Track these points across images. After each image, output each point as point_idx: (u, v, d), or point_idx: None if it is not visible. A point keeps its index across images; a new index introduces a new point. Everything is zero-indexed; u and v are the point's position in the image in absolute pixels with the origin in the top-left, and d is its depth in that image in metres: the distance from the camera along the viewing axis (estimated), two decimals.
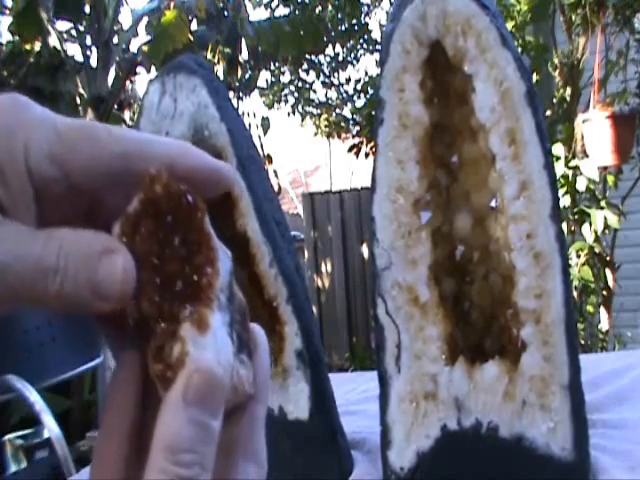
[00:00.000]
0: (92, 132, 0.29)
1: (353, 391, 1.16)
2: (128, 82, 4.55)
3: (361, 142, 5.43)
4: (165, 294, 0.27)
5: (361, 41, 5.82)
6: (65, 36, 4.13)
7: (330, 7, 5.33)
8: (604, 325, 3.20)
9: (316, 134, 6.76)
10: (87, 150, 0.28)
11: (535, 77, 3.12)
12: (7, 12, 3.95)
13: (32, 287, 0.26)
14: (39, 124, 0.28)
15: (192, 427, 0.26)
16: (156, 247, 0.27)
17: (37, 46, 3.93)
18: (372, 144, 4.35)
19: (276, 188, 4.52)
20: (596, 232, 2.97)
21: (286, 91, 6.29)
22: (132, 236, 0.28)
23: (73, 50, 5.47)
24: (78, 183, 0.28)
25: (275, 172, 4.81)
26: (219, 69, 4.25)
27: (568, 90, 3.17)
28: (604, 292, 3.18)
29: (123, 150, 0.29)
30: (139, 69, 4.35)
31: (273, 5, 5.31)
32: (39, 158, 0.27)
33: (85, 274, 0.27)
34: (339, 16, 5.39)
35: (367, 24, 5.70)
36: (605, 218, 2.92)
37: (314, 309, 4.81)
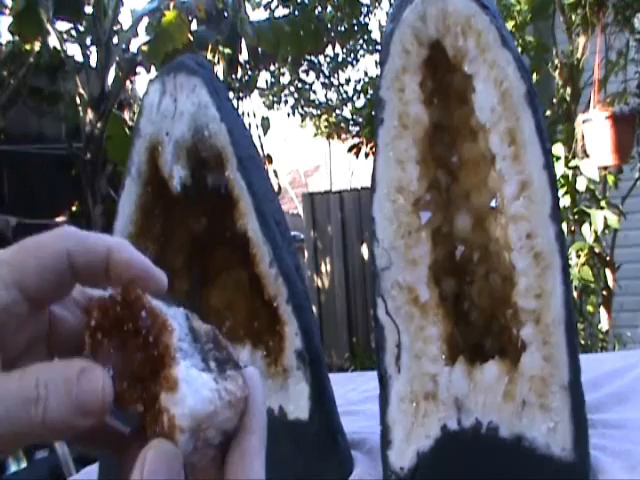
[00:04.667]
0: (36, 246, 0.32)
1: (353, 391, 1.17)
2: (128, 82, 4.55)
3: (361, 142, 5.43)
4: (137, 384, 0.30)
5: (361, 41, 5.82)
6: (65, 36, 4.13)
7: (330, 7, 5.33)
8: (604, 325, 3.20)
9: (316, 134, 6.76)
10: (35, 263, 0.31)
11: (535, 77, 3.12)
12: (7, 12, 3.94)
13: (17, 422, 0.28)
14: None
15: None
16: (119, 352, 0.31)
17: (37, 46, 3.93)
18: (372, 144, 4.35)
19: (276, 188, 4.52)
20: (596, 232, 2.97)
21: (286, 92, 6.29)
22: (96, 347, 0.31)
23: (73, 50, 5.48)
24: (33, 292, 0.31)
25: (275, 172, 4.81)
26: (219, 69, 4.24)
27: (568, 90, 3.17)
28: (604, 292, 3.18)
29: (66, 248, 0.32)
30: (139, 69, 4.35)
31: (273, 5, 5.31)
32: None
33: (67, 397, 0.29)
34: (339, 16, 5.39)
35: (367, 24, 5.69)
36: (605, 218, 2.92)
37: (314, 309, 4.81)
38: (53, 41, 4.00)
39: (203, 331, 0.33)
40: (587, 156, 2.96)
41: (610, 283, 3.18)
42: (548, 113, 3.24)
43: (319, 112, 6.38)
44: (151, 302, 0.32)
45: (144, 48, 3.96)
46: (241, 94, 4.70)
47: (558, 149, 2.96)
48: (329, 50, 5.86)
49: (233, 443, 0.32)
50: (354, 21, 5.52)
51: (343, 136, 6.46)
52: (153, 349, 0.30)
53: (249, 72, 4.97)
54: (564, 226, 2.72)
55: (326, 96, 6.26)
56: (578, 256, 3.02)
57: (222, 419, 0.30)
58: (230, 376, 0.31)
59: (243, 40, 4.46)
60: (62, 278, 0.32)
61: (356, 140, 5.68)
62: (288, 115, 6.40)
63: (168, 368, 0.30)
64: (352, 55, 5.96)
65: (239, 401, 0.31)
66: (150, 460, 0.29)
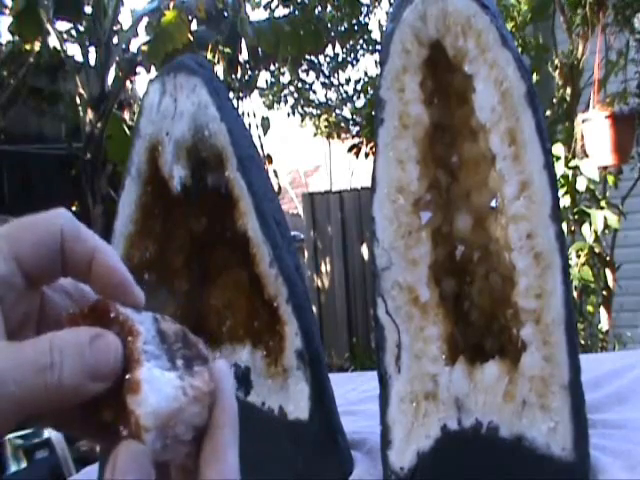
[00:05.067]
0: (33, 223, 0.33)
1: (353, 391, 1.16)
2: (128, 82, 4.55)
3: (361, 142, 5.43)
4: (110, 394, 0.31)
5: (361, 41, 5.82)
6: (65, 36, 4.13)
7: (330, 7, 5.33)
8: (604, 325, 3.20)
9: (316, 134, 6.76)
10: (31, 238, 0.33)
11: (535, 77, 3.12)
12: (7, 12, 3.94)
13: (32, 389, 0.29)
14: None
15: None
16: None
17: (37, 46, 3.93)
18: (372, 144, 4.35)
19: (276, 188, 4.52)
20: (596, 232, 2.97)
21: (286, 91, 6.29)
22: None
23: (73, 50, 5.48)
24: (29, 267, 0.33)
25: (275, 172, 4.81)
26: (219, 69, 4.25)
27: (568, 90, 3.17)
28: (604, 292, 3.18)
29: (60, 226, 0.33)
30: (139, 69, 4.35)
31: (273, 5, 5.31)
32: None
33: (80, 361, 0.30)
34: (339, 16, 5.39)
35: (367, 24, 5.69)
36: (605, 218, 2.92)
37: (314, 309, 4.81)
38: (53, 41, 4.00)
39: (172, 331, 0.34)
40: (587, 156, 2.96)
41: (610, 283, 3.18)
42: (548, 113, 3.24)
43: (319, 112, 6.38)
44: (119, 310, 0.33)
45: (144, 48, 3.97)
46: (241, 94, 4.70)
47: (558, 149, 2.96)
48: (329, 50, 5.87)
49: (205, 438, 0.32)
50: (354, 21, 5.52)
51: (343, 136, 6.46)
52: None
53: (249, 72, 4.97)
54: (564, 226, 2.72)
55: (326, 96, 6.26)
56: (578, 256, 3.02)
57: (189, 414, 0.31)
58: (197, 372, 0.33)
59: (243, 40, 4.46)
60: (54, 255, 0.33)
61: (356, 140, 5.68)
62: (288, 115, 6.41)
63: (132, 371, 0.31)
64: (352, 55, 5.96)
65: (205, 395, 0.32)
66: (120, 460, 0.29)
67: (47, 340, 0.30)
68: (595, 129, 2.88)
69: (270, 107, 6.32)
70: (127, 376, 0.31)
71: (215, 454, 0.32)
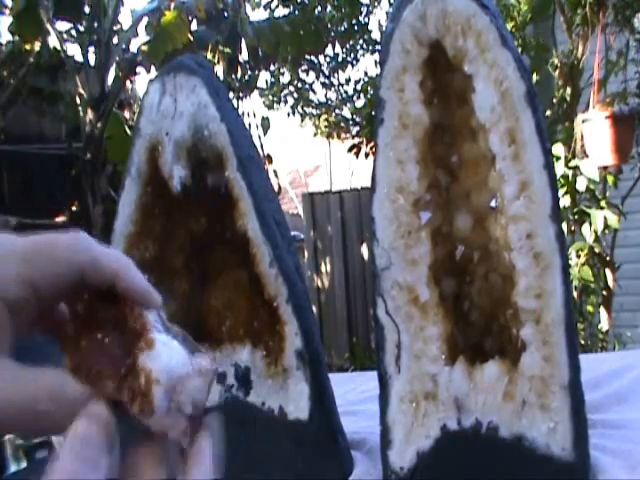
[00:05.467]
0: (52, 251, 0.34)
1: (353, 391, 1.16)
2: (128, 82, 4.55)
3: (361, 142, 5.43)
4: (113, 373, 0.32)
5: (361, 41, 5.81)
6: (65, 36, 4.13)
7: (330, 7, 5.33)
8: (604, 325, 3.20)
9: (316, 134, 6.76)
10: (49, 268, 0.33)
11: (535, 77, 3.12)
12: (7, 12, 3.94)
13: (24, 424, 0.31)
14: (3, 251, 0.33)
15: (77, 463, 0.29)
16: (96, 342, 0.34)
17: (37, 46, 3.93)
18: (372, 144, 4.35)
19: (276, 188, 4.52)
20: (596, 232, 2.97)
21: (286, 91, 6.29)
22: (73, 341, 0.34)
23: (73, 50, 5.48)
24: (44, 297, 0.34)
25: (275, 172, 4.81)
26: (219, 69, 4.24)
27: (568, 90, 3.17)
28: (604, 292, 3.18)
29: (79, 264, 0.34)
30: (139, 69, 4.35)
31: (273, 5, 5.31)
32: (9, 285, 0.32)
33: (70, 418, 0.31)
34: (339, 16, 5.39)
35: (367, 24, 5.69)
36: (605, 218, 2.92)
37: (314, 309, 4.81)
38: (53, 41, 3.99)
39: (175, 328, 0.35)
40: (587, 156, 2.96)
41: (610, 283, 3.18)
42: (548, 113, 3.24)
43: (319, 112, 6.38)
44: (125, 299, 0.34)
45: (144, 48, 3.96)
46: (241, 94, 4.70)
47: (558, 149, 2.96)
48: (329, 50, 5.86)
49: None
50: (354, 21, 5.52)
51: (343, 136, 6.46)
52: (130, 332, 0.33)
53: (249, 72, 4.97)
54: (564, 226, 2.72)
55: (326, 96, 6.25)
56: (578, 256, 3.02)
57: (194, 386, 0.32)
58: (200, 355, 0.34)
59: (243, 40, 4.46)
60: (71, 283, 0.34)
61: (356, 140, 5.68)
62: (288, 115, 6.40)
63: (147, 333, 0.32)
64: (352, 55, 5.96)
65: (209, 372, 0.33)
66: (81, 424, 0.30)
67: (47, 387, 0.31)
68: (595, 129, 2.88)
69: (270, 107, 6.32)
70: (141, 340, 0.32)
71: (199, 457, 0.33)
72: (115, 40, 4.21)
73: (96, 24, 4.07)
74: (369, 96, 5.63)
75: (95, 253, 0.35)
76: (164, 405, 0.31)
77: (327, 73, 6.09)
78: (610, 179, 3.09)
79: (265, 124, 4.85)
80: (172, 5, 4.10)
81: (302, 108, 6.39)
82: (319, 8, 5.22)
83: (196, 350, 0.34)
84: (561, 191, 2.91)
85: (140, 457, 0.32)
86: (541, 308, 0.67)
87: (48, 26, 3.86)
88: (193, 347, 0.34)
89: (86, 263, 0.34)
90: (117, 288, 0.35)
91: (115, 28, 4.22)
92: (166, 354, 0.32)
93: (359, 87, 5.98)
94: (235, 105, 0.91)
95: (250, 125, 4.51)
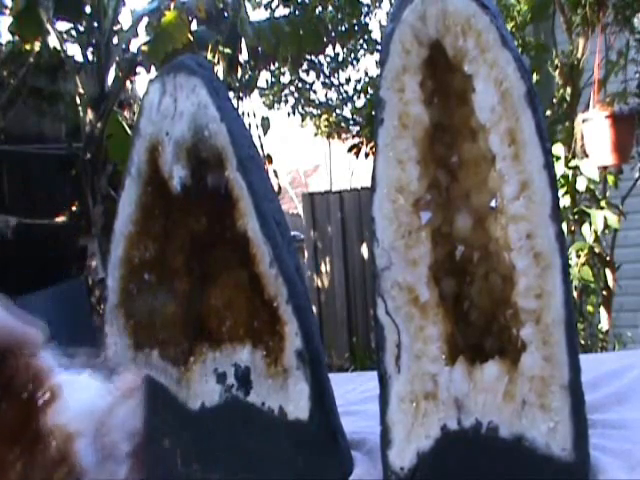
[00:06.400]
0: None
1: (353, 391, 1.16)
2: (128, 82, 4.55)
3: (361, 142, 5.43)
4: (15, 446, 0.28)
5: (361, 41, 5.82)
6: (65, 36, 4.13)
7: (330, 7, 5.33)
8: (604, 325, 3.20)
9: (316, 134, 6.76)
10: None
11: (535, 77, 3.12)
12: (7, 12, 3.94)
13: None
14: None
15: None
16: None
17: (37, 46, 3.93)
18: (372, 144, 4.35)
19: (276, 188, 4.52)
20: (596, 232, 2.97)
21: (286, 91, 6.29)
22: None
23: (73, 50, 5.47)
24: None
25: (275, 172, 4.81)
26: (219, 69, 4.24)
27: (568, 90, 3.17)
28: (604, 292, 3.18)
29: None
30: (139, 69, 4.35)
31: (273, 5, 5.31)
32: None
33: None
34: (339, 16, 5.39)
35: (367, 24, 5.70)
36: (605, 218, 2.92)
37: (314, 309, 4.81)
38: (53, 41, 4.00)
39: (78, 355, 0.31)
40: (587, 156, 2.96)
41: (610, 283, 3.18)
42: (548, 113, 3.24)
43: (319, 112, 6.38)
44: (25, 356, 0.30)
45: (144, 48, 3.97)
46: (241, 94, 4.70)
47: (558, 149, 2.96)
48: (329, 50, 5.87)
49: None
50: (354, 21, 5.52)
51: (343, 136, 6.47)
52: (23, 388, 0.29)
53: (249, 72, 4.97)
54: (564, 226, 2.72)
55: (326, 96, 6.26)
56: (578, 256, 3.02)
57: (122, 416, 0.28)
58: (119, 373, 0.31)
59: (243, 40, 4.46)
60: None
61: (356, 140, 5.68)
62: (288, 115, 6.40)
63: (45, 381, 0.28)
64: (352, 55, 5.96)
65: (134, 390, 0.30)
66: None
67: None
68: (595, 129, 2.88)
69: (270, 107, 6.32)
70: (42, 390, 0.28)
71: None
72: (115, 40, 4.21)
73: (96, 24, 4.07)
74: (369, 96, 5.63)
75: None
76: (92, 460, 0.26)
77: (327, 73, 6.09)
78: (610, 179, 3.09)
79: (265, 124, 4.85)
80: (172, 5, 4.10)
81: (302, 108, 6.39)
82: (319, 8, 5.23)
83: (113, 370, 0.31)
84: (561, 191, 2.91)
85: None
86: (541, 308, 0.67)
87: (48, 26, 3.86)
88: (108, 369, 0.31)
89: None
90: None
91: (115, 28, 4.23)
92: (76, 396, 0.27)
93: (359, 87, 5.98)
94: (235, 105, 0.91)
95: (250, 125, 4.51)
